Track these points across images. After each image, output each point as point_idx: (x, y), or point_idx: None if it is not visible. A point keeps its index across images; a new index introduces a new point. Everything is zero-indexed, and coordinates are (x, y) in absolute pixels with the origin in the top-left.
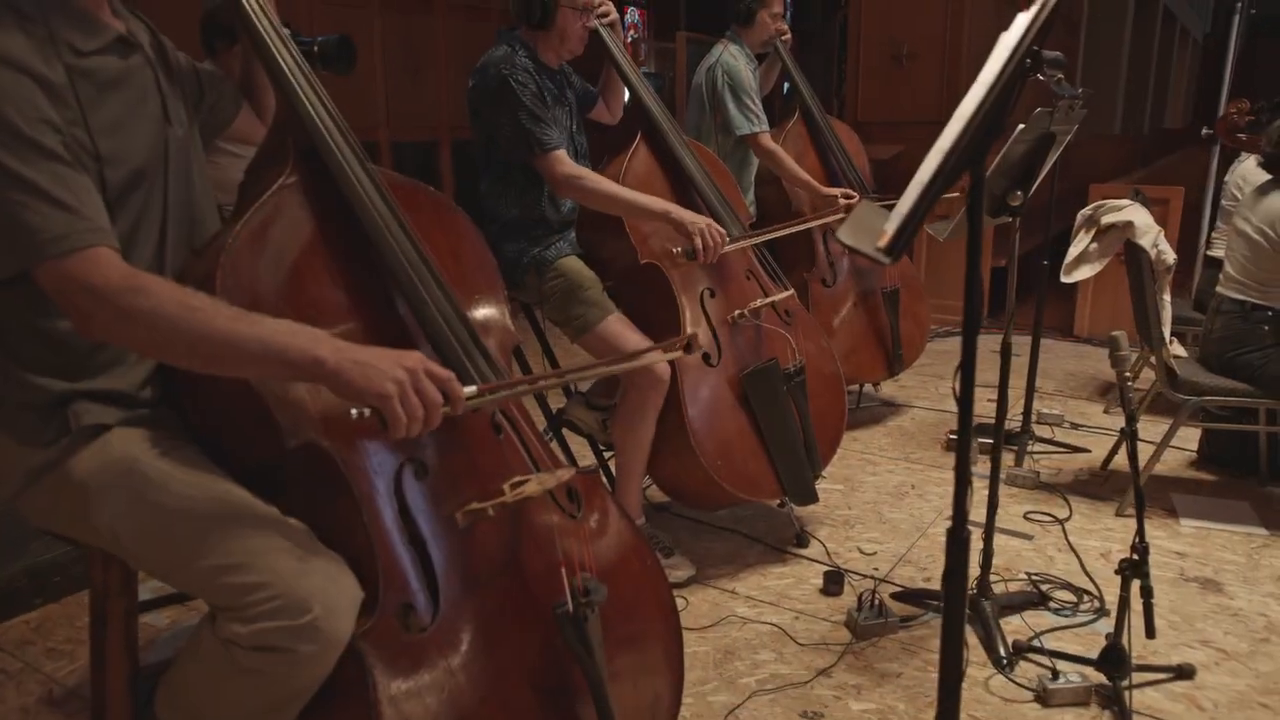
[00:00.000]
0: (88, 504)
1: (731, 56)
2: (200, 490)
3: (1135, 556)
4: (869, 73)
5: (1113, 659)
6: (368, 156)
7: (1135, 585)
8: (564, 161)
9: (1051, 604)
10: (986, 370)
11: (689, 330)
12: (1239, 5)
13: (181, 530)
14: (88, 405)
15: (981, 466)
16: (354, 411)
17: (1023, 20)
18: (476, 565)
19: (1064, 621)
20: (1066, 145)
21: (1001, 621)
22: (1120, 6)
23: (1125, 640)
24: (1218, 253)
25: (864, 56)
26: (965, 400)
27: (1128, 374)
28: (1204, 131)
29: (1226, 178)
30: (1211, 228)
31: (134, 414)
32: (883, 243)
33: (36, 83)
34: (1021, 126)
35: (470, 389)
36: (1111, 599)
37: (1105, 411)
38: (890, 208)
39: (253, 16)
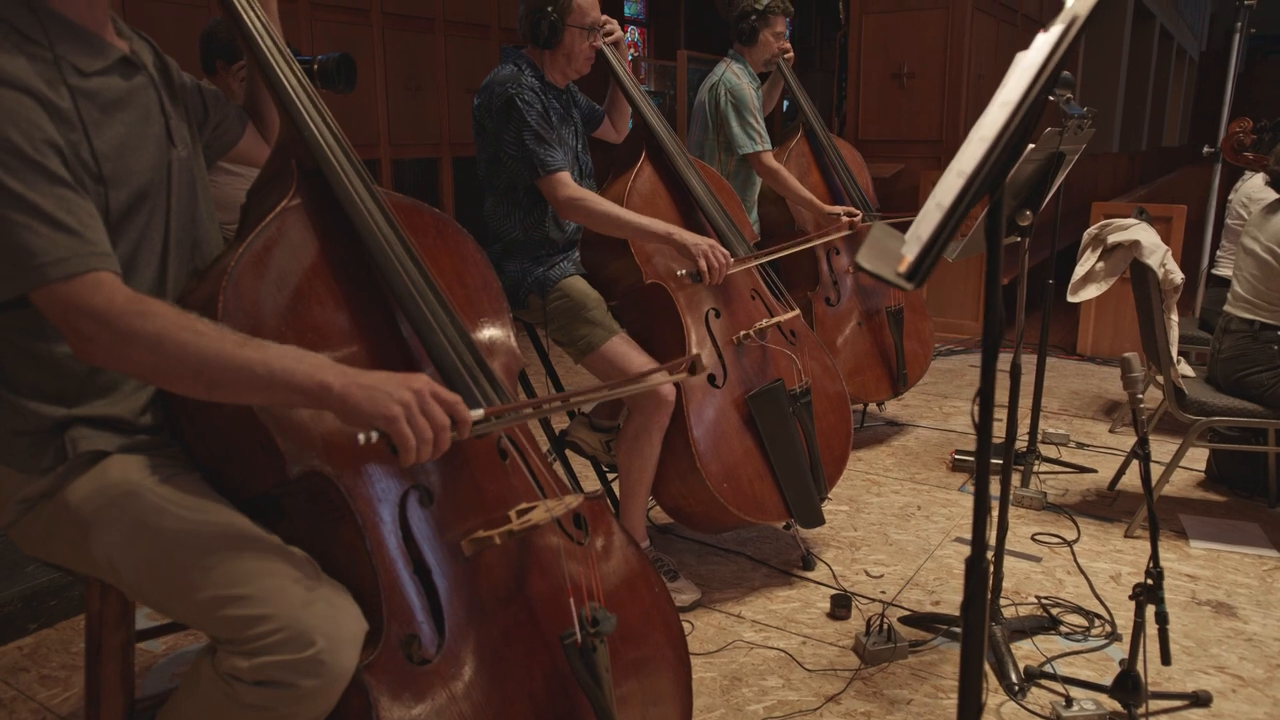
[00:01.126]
0: (85, 533)
1: (734, 75)
2: (201, 519)
3: (1150, 581)
4: (869, 91)
5: (1128, 686)
6: (371, 177)
7: (1150, 610)
8: (567, 184)
9: (1062, 628)
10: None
11: (693, 351)
12: (1239, 25)
13: (182, 560)
14: (86, 431)
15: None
16: (361, 436)
17: (1045, 40)
18: (482, 594)
19: (1075, 646)
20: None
21: (1012, 646)
22: (1117, 25)
23: (1139, 666)
24: (1223, 271)
25: (864, 75)
26: (984, 429)
27: (1139, 395)
28: (1205, 150)
29: (1230, 196)
30: (1215, 246)
31: (133, 440)
32: (903, 268)
33: (40, 104)
34: (1031, 146)
35: (477, 412)
36: (1123, 623)
37: (1111, 431)
38: (899, 226)
39: (256, 35)
